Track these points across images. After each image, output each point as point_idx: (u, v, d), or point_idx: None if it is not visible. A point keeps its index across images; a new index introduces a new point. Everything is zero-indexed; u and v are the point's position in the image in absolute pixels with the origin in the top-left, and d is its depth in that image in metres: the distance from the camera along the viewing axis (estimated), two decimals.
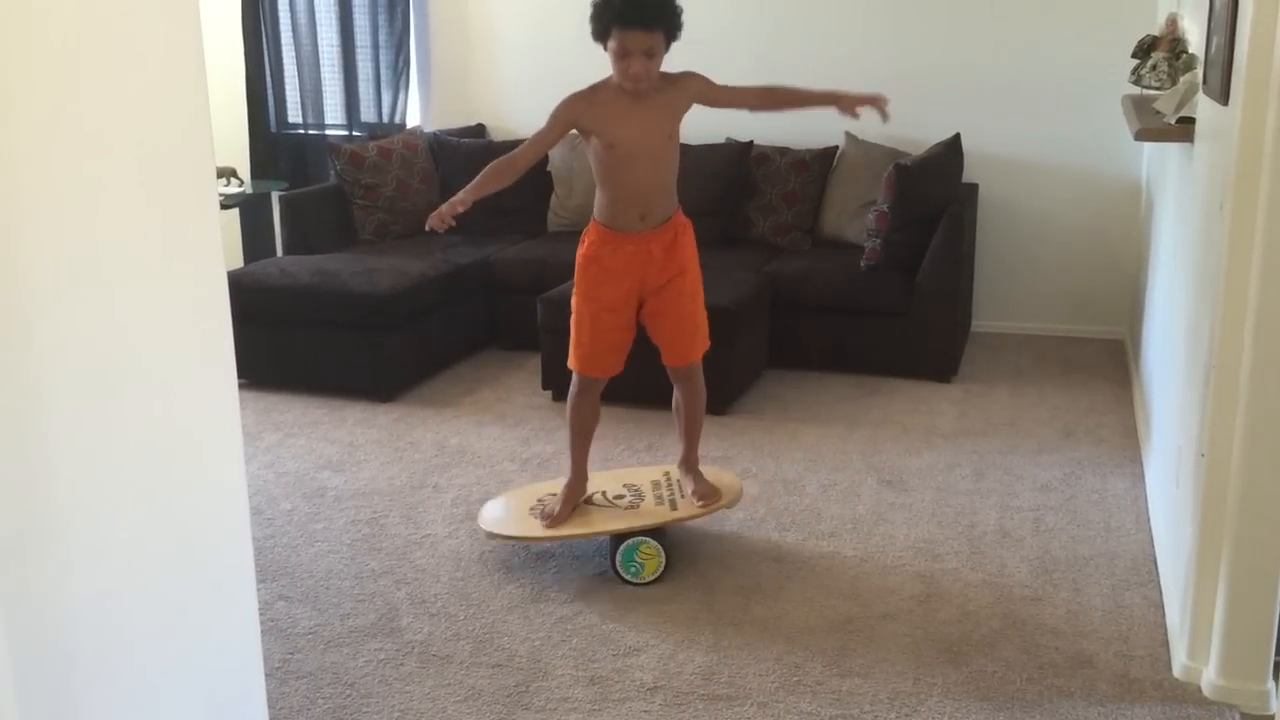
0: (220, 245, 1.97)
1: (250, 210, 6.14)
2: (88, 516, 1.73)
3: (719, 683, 2.82)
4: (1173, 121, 3.50)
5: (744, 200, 5.54)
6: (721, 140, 5.52)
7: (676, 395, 3.54)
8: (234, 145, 6.18)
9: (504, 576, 3.36)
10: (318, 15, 6.21)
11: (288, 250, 5.67)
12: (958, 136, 5.25)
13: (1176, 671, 2.82)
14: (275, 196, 5.86)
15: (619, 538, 3.32)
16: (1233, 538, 2.61)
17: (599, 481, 3.63)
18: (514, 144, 5.83)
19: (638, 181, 3.26)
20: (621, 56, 3.13)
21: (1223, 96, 2.74)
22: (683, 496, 3.48)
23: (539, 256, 5.35)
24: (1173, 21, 4.08)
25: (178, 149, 1.85)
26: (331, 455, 4.27)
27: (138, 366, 1.81)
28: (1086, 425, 4.47)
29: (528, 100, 6.07)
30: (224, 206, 5.59)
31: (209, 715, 2.05)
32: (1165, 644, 2.95)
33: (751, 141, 5.54)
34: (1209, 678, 2.73)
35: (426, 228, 3.25)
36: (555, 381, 4.65)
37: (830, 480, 3.99)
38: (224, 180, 5.81)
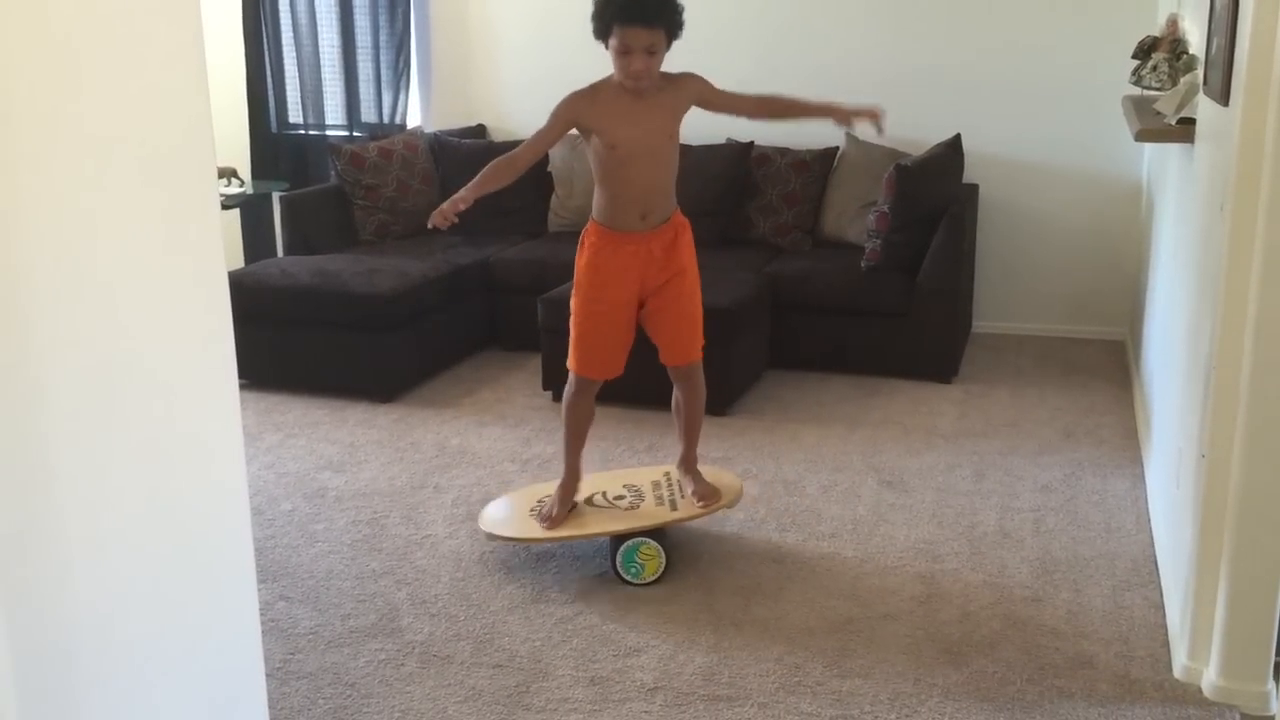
0: (221, 246, 1.97)
1: (251, 211, 6.14)
2: (88, 516, 1.73)
3: (719, 683, 2.82)
4: (1173, 122, 3.50)
5: (744, 201, 5.54)
6: (722, 141, 5.52)
7: (676, 395, 3.54)
8: (235, 146, 6.18)
9: (505, 577, 3.36)
10: (318, 15, 6.21)
11: (288, 251, 5.67)
12: (958, 137, 5.25)
13: (1177, 672, 2.82)
14: (276, 197, 5.86)
15: (619, 538, 3.32)
16: (1233, 539, 2.61)
17: (599, 482, 3.63)
18: (515, 144, 5.82)
19: (638, 181, 3.26)
20: (623, 54, 3.13)
21: (1223, 97, 2.74)
22: (683, 497, 3.48)
23: (539, 257, 5.35)
24: (1173, 22, 4.08)
25: (179, 149, 1.85)
26: (332, 456, 4.27)
27: (138, 366, 1.81)
28: (1087, 426, 4.47)
29: (528, 101, 6.06)
30: (225, 207, 5.59)
31: (209, 715, 2.05)
32: (1166, 645, 2.95)
33: (752, 142, 5.54)
34: (1209, 678, 2.73)
35: (429, 225, 3.25)
36: (556, 382, 4.64)
37: (831, 481, 3.99)
38: (225, 181, 5.81)
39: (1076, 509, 3.74)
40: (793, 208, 5.48)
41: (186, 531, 1.94)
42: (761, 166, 5.54)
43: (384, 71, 6.20)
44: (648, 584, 3.29)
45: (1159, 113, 3.72)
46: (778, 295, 5.04)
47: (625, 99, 3.21)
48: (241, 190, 5.92)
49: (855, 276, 5.02)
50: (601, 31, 3.15)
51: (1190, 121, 3.39)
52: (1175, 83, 3.85)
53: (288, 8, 6.21)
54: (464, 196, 3.22)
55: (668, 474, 3.65)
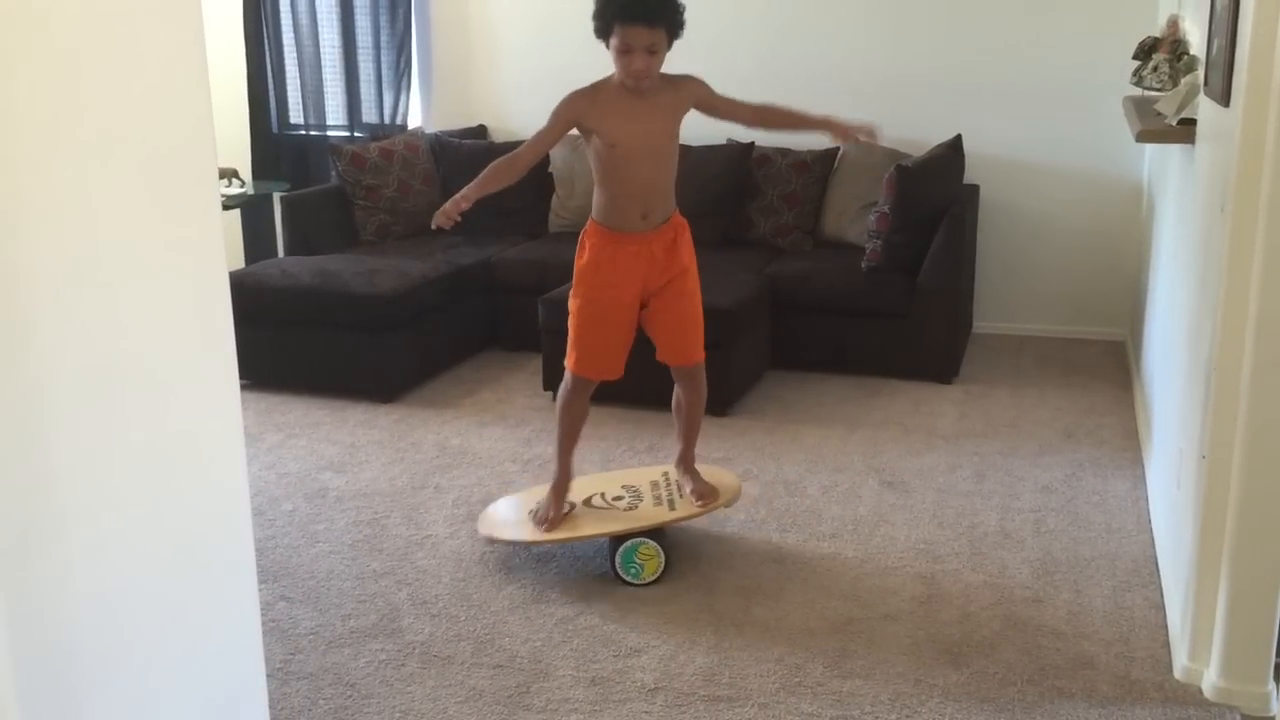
0: (222, 246, 1.97)
1: (252, 211, 6.14)
2: (89, 517, 1.74)
3: (720, 684, 2.82)
4: (1174, 123, 3.50)
5: (745, 201, 5.54)
6: (723, 141, 5.52)
7: (678, 394, 3.54)
8: (235, 146, 6.18)
9: (505, 577, 3.36)
10: (319, 16, 6.21)
11: (289, 251, 5.67)
12: (959, 138, 5.26)
13: (1177, 673, 2.82)
14: (277, 197, 5.87)
15: (618, 540, 3.32)
16: (1233, 539, 2.61)
17: (598, 484, 3.64)
18: (515, 145, 5.81)
19: (639, 180, 3.27)
20: (624, 53, 3.14)
21: (1224, 98, 2.74)
22: (680, 496, 3.49)
23: (540, 257, 5.35)
24: (1174, 23, 4.08)
25: (180, 150, 1.85)
26: (333, 456, 4.27)
27: (139, 367, 1.81)
28: (1087, 427, 4.47)
29: (529, 101, 6.06)
30: (226, 207, 5.59)
31: (210, 716, 2.05)
32: (1166, 645, 2.95)
33: (753, 143, 5.54)
34: (1210, 679, 2.73)
35: (433, 226, 3.25)
36: (556, 382, 4.58)
37: (831, 481, 3.99)
38: (226, 181, 5.81)
39: (1077, 510, 3.74)
40: (793, 208, 5.48)
41: (187, 532, 1.94)
42: (762, 167, 5.54)
43: (385, 72, 6.20)
44: (648, 584, 3.29)
45: (1160, 113, 3.72)
46: (778, 296, 5.04)
47: (626, 99, 3.22)
48: (242, 191, 5.92)
49: (856, 277, 5.02)
50: (603, 30, 3.16)
51: (1191, 122, 3.39)
52: (1176, 83, 3.85)
53: (289, 8, 6.21)
54: (466, 196, 3.22)
55: (666, 474, 3.65)
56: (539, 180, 5.72)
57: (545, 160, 5.55)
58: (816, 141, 5.46)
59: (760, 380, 5.00)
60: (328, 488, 3.99)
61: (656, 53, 3.15)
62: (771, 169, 5.52)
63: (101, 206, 1.72)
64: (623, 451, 4.25)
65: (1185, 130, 3.42)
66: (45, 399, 1.64)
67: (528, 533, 3.39)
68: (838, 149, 5.52)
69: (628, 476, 3.70)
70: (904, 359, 5.01)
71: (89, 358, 1.71)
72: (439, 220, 3.23)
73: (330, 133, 6.34)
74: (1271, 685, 2.68)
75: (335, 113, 6.36)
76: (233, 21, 6.21)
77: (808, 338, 5.09)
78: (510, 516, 3.51)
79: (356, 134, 6.26)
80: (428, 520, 3.73)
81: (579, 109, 3.24)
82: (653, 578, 3.30)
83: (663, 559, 3.30)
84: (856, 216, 5.36)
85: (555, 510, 3.41)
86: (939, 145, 5.24)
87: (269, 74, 6.30)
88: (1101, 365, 5.23)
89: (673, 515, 3.39)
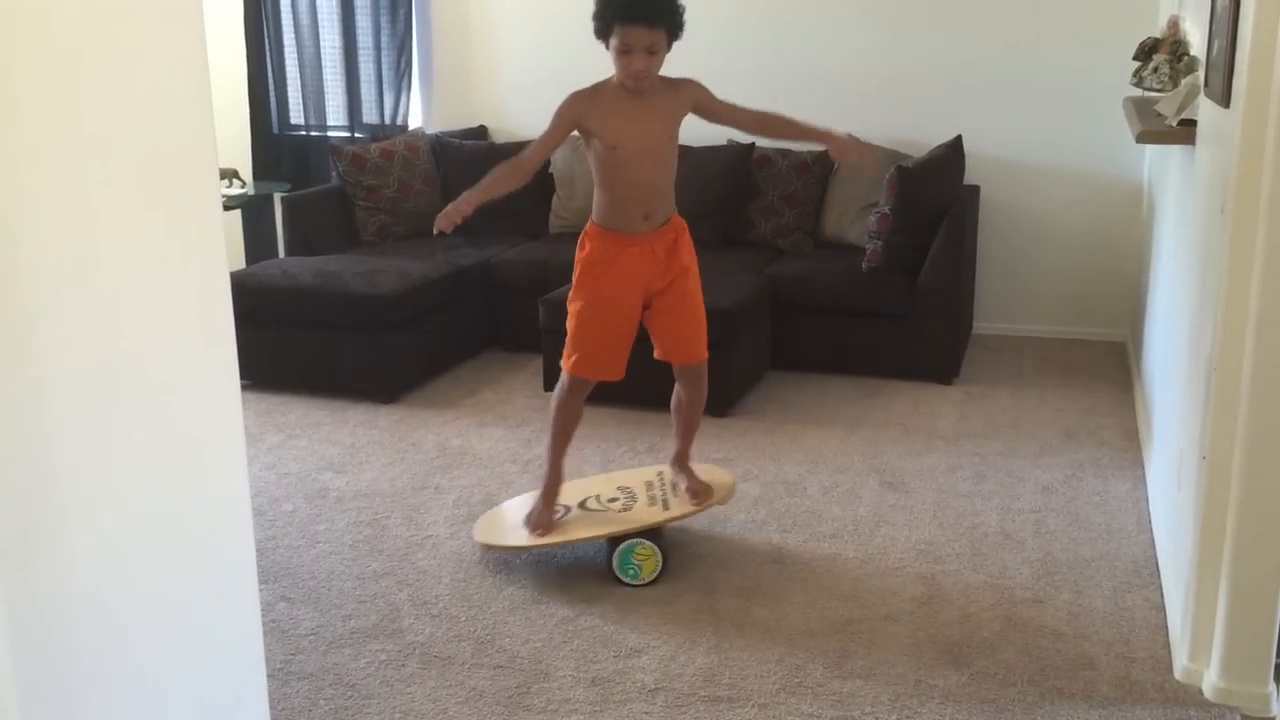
0: (223, 246, 1.97)
1: (252, 212, 6.15)
2: (90, 517, 1.74)
3: (720, 684, 2.82)
4: (1174, 124, 3.50)
5: (745, 202, 5.54)
6: (723, 142, 5.52)
7: (678, 393, 3.54)
8: (236, 146, 6.19)
9: (505, 578, 3.36)
10: (320, 16, 6.21)
11: (290, 251, 5.68)
12: (959, 138, 5.25)
13: (1178, 674, 2.82)
14: (277, 198, 5.87)
15: (615, 542, 3.32)
16: (1234, 540, 2.61)
17: (592, 486, 3.63)
18: (516, 145, 5.82)
19: (640, 181, 3.27)
20: (623, 53, 3.14)
21: (1224, 99, 2.74)
22: (675, 495, 3.48)
23: (541, 258, 5.36)
24: (1174, 24, 4.07)
25: (181, 150, 1.85)
26: (333, 456, 4.27)
27: (140, 367, 1.81)
28: (1088, 427, 4.47)
29: (530, 102, 6.08)
30: (226, 208, 5.59)
31: (210, 716, 2.05)
32: (1166, 646, 2.95)
33: (753, 144, 5.54)
34: (1210, 680, 2.73)
35: (435, 230, 3.24)
36: (557, 383, 4.64)
37: (832, 482, 3.99)
38: (226, 182, 5.81)
39: (1077, 510, 3.74)
40: (794, 209, 5.48)
41: (188, 532, 1.94)
42: (763, 168, 5.54)
43: (385, 72, 6.20)
44: (647, 584, 3.29)
45: (1160, 114, 3.72)
46: (779, 296, 5.04)
47: (625, 100, 3.22)
48: (243, 191, 5.93)
49: (856, 278, 5.03)
50: (602, 31, 3.16)
51: (1191, 123, 3.39)
52: (1176, 84, 3.85)
53: (289, 8, 6.21)
54: (469, 200, 3.21)
55: (660, 474, 3.65)
56: (540, 181, 5.69)
57: (546, 161, 5.54)
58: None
59: (761, 381, 5.00)
60: (328, 488, 3.99)
61: (656, 53, 3.15)
62: (772, 170, 5.53)
63: (102, 207, 1.72)
64: (624, 452, 4.25)
65: (1185, 131, 3.42)
66: (46, 399, 1.64)
67: (521, 538, 3.39)
68: None
69: (622, 478, 3.70)
70: (904, 360, 5.01)
71: (90, 358, 1.71)
72: (440, 224, 3.22)
73: (331, 133, 6.35)
74: (1272, 686, 2.68)
75: (336, 113, 6.37)
76: (233, 22, 6.21)
77: (808, 338, 5.09)
78: (505, 522, 3.50)
79: (357, 134, 6.27)
80: (428, 521, 3.73)
81: (580, 109, 3.24)
82: (651, 577, 3.30)
83: (660, 558, 3.30)
84: (857, 217, 5.36)
85: (547, 513, 3.41)
86: (939, 146, 5.24)
87: (270, 74, 6.30)
88: (1102, 366, 5.23)
89: (667, 515, 3.39)
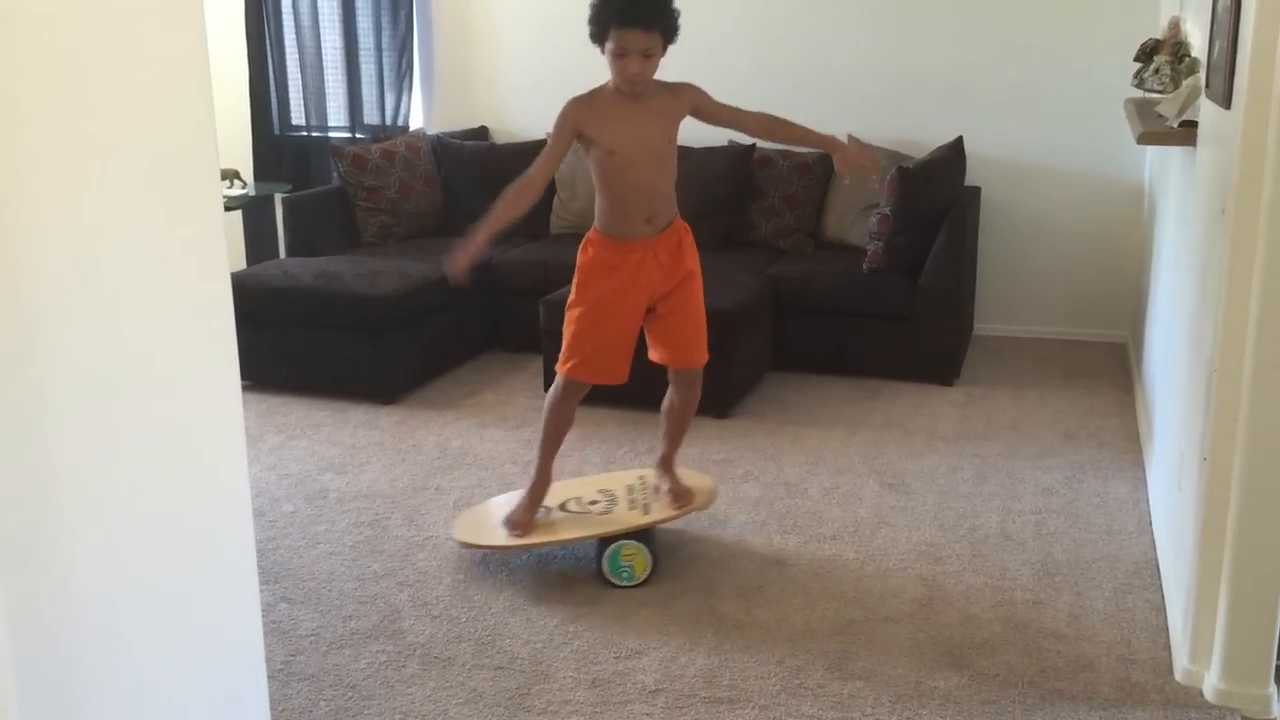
0: (223, 247, 1.97)
1: (253, 212, 6.14)
2: (91, 518, 1.74)
3: (720, 685, 2.82)
4: (1175, 125, 3.50)
5: (746, 203, 5.54)
6: (724, 143, 5.52)
7: (671, 396, 3.53)
8: (237, 147, 6.19)
9: (506, 579, 3.36)
10: (321, 17, 6.22)
11: (290, 252, 5.68)
12: (960, 139, 5.25)
13: (1178, 675, 2.82)
14: (278, 199, 5.87)
15: (602, 548, 3.31)
16: (1234, 542, 2.61)
17: (572, 489, 3.62)
18: (516, 146, 5.82)
19: (641, 184, 3.26)
20: (619, 56, 3.13)
21: (1225, 100, 2.74)
22: (656, 499, 3.47)
23: (542, 259, 5.36)
24: (1175, 25, 4.08)
25: (182, 151, 1.85)
26: (334, 457, 4.28)
27: (141, 368, 1.81)
28: (1088, 429, 4.47)
29: (530, 103, 6.09)
30: (227, 208, 5.59)
31: (211, 716, 2.05)
32: (1167, 648, 2.95)
33: (754, 144, 5.54)
34: (1211, 682, 2.73)
35: (451, 284, 3.21)
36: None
37: (832, 483, 3.99)
38: (227, 182, 5.81)
39: (1078, 512, 3.74)
40: (795, 210, 5.49)
41: (188, 533, 1.94)
42: (763, 168, 5.54)
43: (386, 73, 6.21)
44: (643, 584, 3.29)
45: (1161, 115, 3.72)
46: (779, 297, 5.04)
47: (622, 104, 3.22)
48: (244, 192, 5.93)
49: (857, 279, 5.03)
50: (598, 35, 3.15)
51: (1192, 124, 3.39)
52: (1177, 85, 3.85)
53: (290, 9, 6.21)
54: (485, 237, 3.12)
55: (642, 477, 3.64)
56: None
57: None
58: None
59: (761, 382, 5.00)
60: (329, 489, 3.99)
61: (652, 57, 3.14)
62: (773, 171, 5.53)
63: (104, 208, 1.72)
64: (624, 453, 4.25)
65: (1186, 132, 3.42)
66: (47, 400, 1.64)
67: (500, 538, 3.38)
68: None
69: (605, 481, 3.69)
70: (905, 361, 5.01)
71: (91, 358, 1.71)
72: (456, 277, 3.15)
73: (332, 134, 6.35)
74: (1272, 688, 2.68)
75: (337, 114, 6.37)
76: (235, 23, 6.21)
77: (809, 339, 5.09)
78: (484, 521, 3.49)
79: (358, 135, 6.27)
80: (429, 522, 3.73)
81: (579, 114, 3.24)
82: (644, 576, 3.29)
83: (649, 555, 3.29)
84: (858, 218, 5.36)
85: (529, 515, 3.40)
86: (940, 147, 5.24)
87: (271, 75, 6.31)
88: (1102, 367, 5.23)
89: (647, 519, 3.37)
